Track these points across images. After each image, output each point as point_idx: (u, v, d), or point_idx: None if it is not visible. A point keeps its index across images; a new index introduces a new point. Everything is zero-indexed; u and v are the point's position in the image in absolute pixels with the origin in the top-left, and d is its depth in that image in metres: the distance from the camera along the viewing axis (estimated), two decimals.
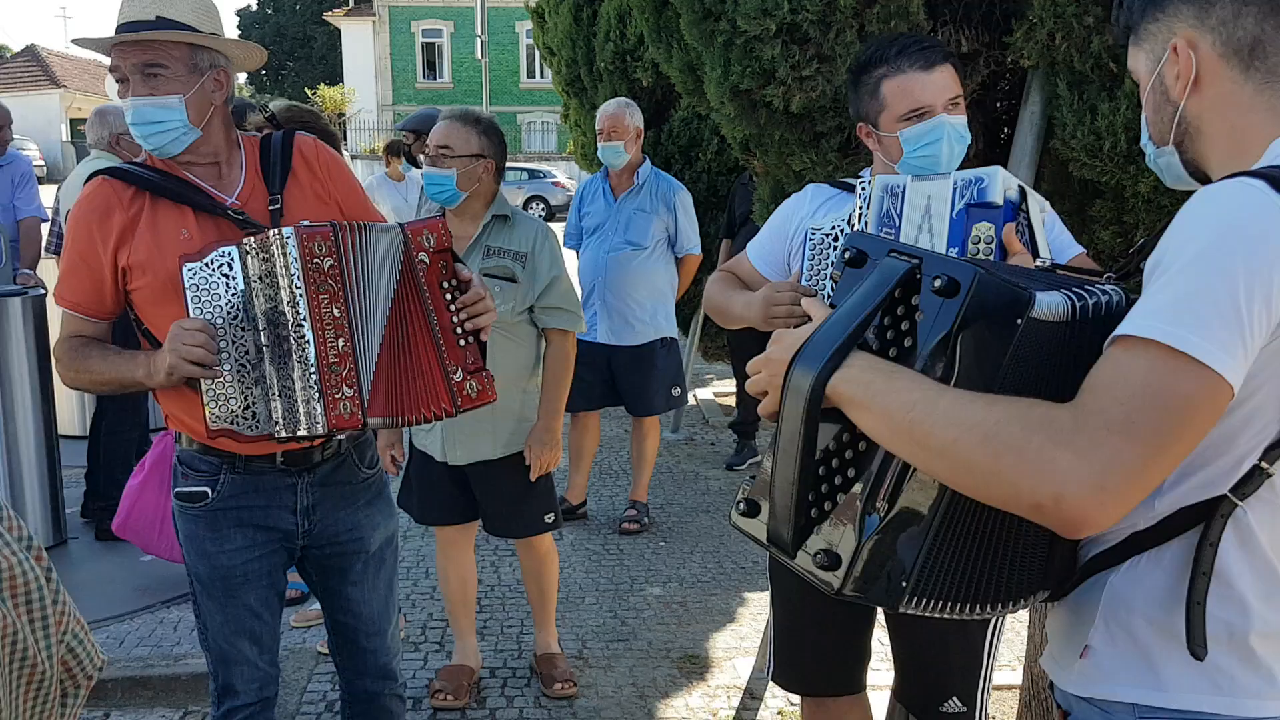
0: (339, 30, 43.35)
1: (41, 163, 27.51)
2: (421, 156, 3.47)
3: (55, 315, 2.73)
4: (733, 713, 3.42)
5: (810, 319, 1.36)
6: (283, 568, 2.49)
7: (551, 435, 3.39)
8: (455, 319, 2.28)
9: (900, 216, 2.13)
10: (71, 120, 35.16)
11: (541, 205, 26.44)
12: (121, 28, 2.20)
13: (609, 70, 6.25)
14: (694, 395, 7.65)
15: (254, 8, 52.51)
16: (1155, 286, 1.15)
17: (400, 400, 2.23)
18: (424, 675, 3.71)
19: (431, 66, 40.73)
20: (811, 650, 2.50)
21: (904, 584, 1.23)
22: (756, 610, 4.29)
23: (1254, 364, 1.14)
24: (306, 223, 2.15)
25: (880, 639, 2.68)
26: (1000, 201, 2.05)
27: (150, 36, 2.18)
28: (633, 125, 4.93)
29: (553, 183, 28.05)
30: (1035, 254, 2.07)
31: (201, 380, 2.11)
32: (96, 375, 2.27)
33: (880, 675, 3.06)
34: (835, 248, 2.23)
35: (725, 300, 2.49)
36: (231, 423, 2.13)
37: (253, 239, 2.11)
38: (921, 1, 2.61)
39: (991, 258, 2.02)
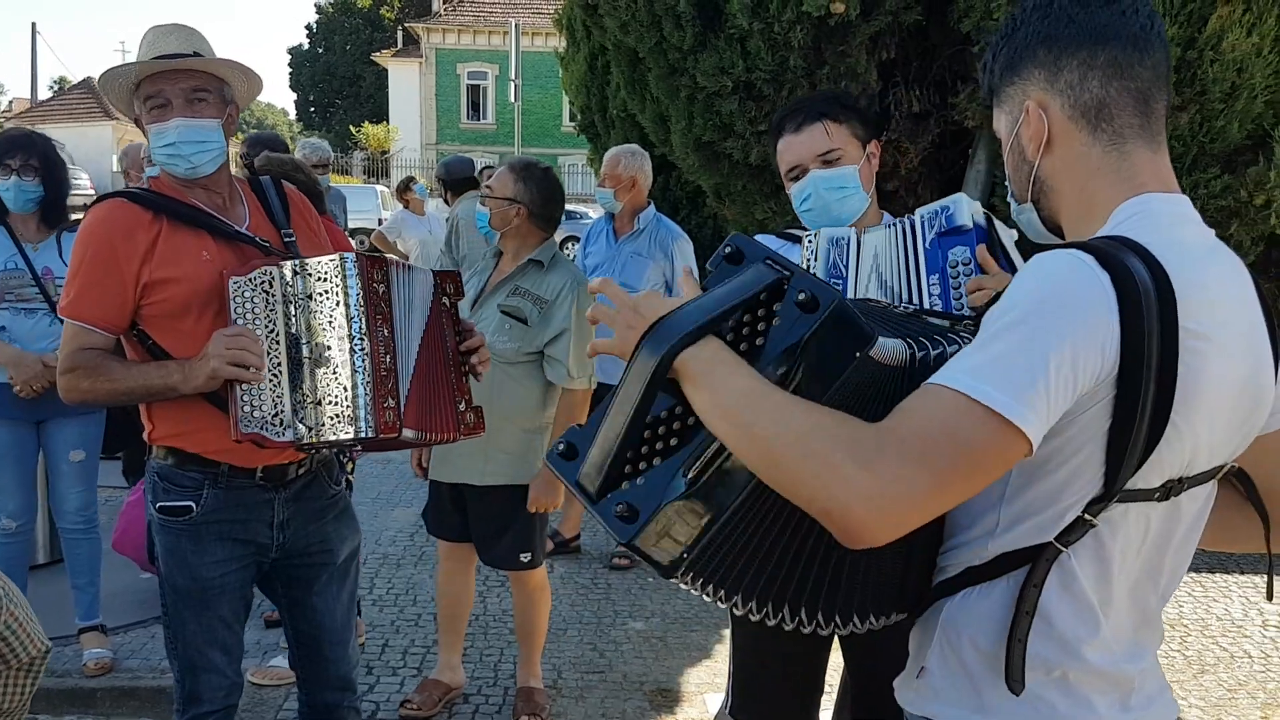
0: (387, 70, 44.27)
1: (93, 192, 28.17)
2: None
3: None
4: None
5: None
6: (252, 580, 2.63)
7: (552, 482, 3.49)
8: (462, 356, 2.55)
9: (847, 267, 2.23)
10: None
11: (577, 245, 26.67)
12: (162, 58, 2.40)
13: (620, 117, 6.43)
14: None
15: (305, 47, 53.71)
16: (974, 344, 1.24)
17: (427, 418, 2.44)
18: (399, 698, 3.82)
19: (476, 107, 41.42)
20: (770, 685, 2.57)
21: (684, 555, 1.31)
22: None
23: (1076, 426, 1.23)
24: (365, 252, 2.38)
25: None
26: (970, 225, 2.14)
27: (210, 66, 2.43)
28: (626, 174, 5.07)
29: (587, 224, 28.33)
30: (1012, 270, 2.16)
31: (238, 386, 2.29)
32: (118, 385, 2.37)
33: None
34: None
35: None
36: (261, 428, 2.30)
37: (309, 260, 2.33)
38: (872, 63, 2.74)
39: (972, 277, 2.11)
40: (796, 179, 2.32)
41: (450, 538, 3.73)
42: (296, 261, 2.34)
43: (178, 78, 2.42)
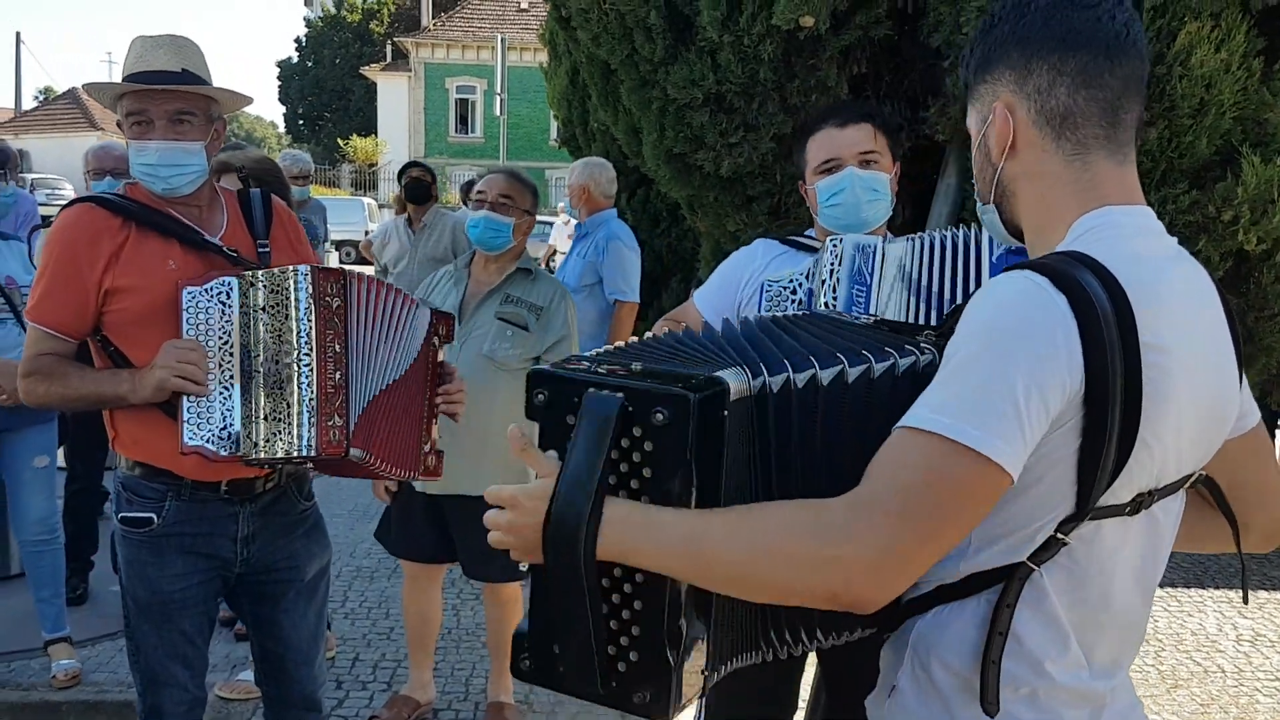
0: (375, 84, 44.30)
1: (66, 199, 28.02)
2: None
3: None
4: None
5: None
6: (216, 595, 2.59)
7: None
8: (437, 399, 2.55)
9: (871, 275, 2.17)
10: None
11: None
12: (149, 75, 2.35)
13: (600, 130, 6.44)
14: None
15: (294, 60, 53.69)
16: (940, 379, 1.21)
17: (383, 444, 2.40)
18: (369, 713, 3.78)
19: (464, 121, 41.47)
20: (742, 702, 2.54)
21: (707, 678, 1.29)
22: None
23: (1047, 447, 1.21)
24: (321, 265, 2.35)
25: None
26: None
27: (201, 90, 2.38)
28: (578, 184, 5.22)
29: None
30: None
31: (184, 399, 2.25)
32: (71, 392, 2.36)
33: None
34: (791, 300, 2.27)
35: None
36: (207, 442, 2.26)
37: (262, 271, 2.30)
38: (843, 76, 2.74)
39: None
40: (829, 172, 2.29)
41: (419, 558, 3.67)
42: (251, 273, 2.31)
43: (164, 98, 2.37)
